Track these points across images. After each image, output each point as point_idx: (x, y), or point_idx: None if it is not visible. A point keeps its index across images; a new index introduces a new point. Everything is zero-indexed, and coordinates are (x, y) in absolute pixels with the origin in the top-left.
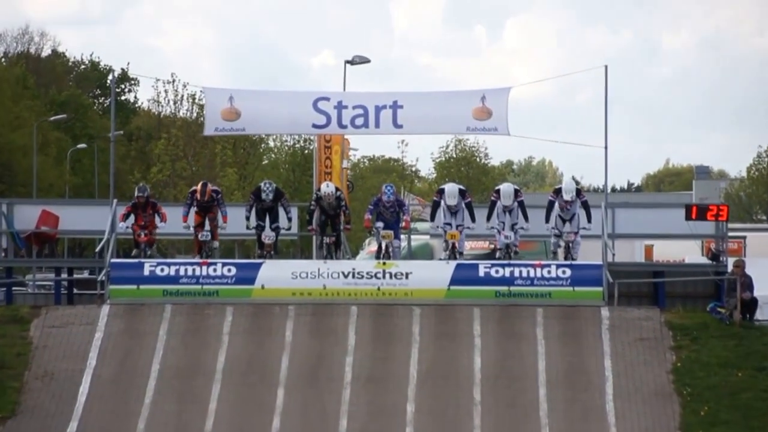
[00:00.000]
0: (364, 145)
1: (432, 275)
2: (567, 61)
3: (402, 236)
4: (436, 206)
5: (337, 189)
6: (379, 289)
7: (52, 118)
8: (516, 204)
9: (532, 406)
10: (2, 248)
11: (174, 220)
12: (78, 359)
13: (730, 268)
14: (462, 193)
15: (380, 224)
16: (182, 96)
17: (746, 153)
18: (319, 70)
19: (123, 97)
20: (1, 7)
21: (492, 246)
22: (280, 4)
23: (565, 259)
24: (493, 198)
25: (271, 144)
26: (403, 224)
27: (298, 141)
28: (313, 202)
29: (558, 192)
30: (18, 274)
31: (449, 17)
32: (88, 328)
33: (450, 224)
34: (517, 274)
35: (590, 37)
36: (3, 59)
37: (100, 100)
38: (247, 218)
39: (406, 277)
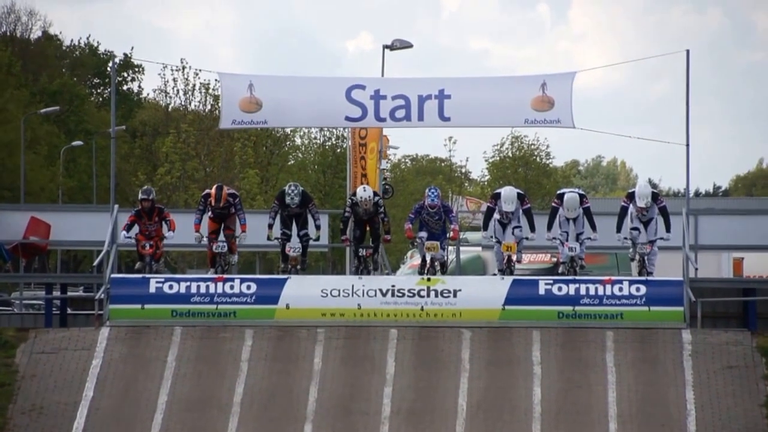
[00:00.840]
0: (406, 144)
1: (484, 293)
2: (643, 46)
3: (450, 248)
4: (490, 213)
5: (375, 194)
6: (422, 309)
7: (43, 111)
8: (581, 211)
9: None
10: None
11: (184, 229)
12: (72, 390)
13: None
14: (521, 198)
15: (424, 234)
16: (194, 86)
17: None
18: (353, 57)
19: (125, 87)
20: None
21: (554, 259)
22: None
23: (640, 274)
24: (554, 204)
25: (298, 141)
26: (451, 234)
27: (329, 138)
28: (347, 209)
29: (631, 197)
30: (3, 291)
31: None
32: (84, 354)
33: (505, 233)
34: (583, 291)
35: (671, 16)
36: None
37: (99, 90)
38: (270, 226)
39: (454, 295)
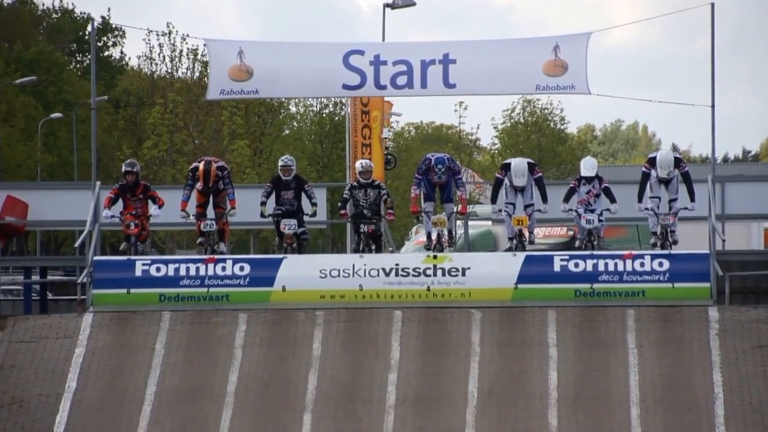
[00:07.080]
0: (410, 110)
1: (495, 271)
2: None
3: (458, 222)
4: (498, 184)
5: (375, 181)
6: (429, 289)
7: (18, 81)
8: (597, 180)
9: (622, 431)
10: None
11: (173, 207)
12: (54, 381)
13: None
14: (531, 168)
15: (429, 206)
16: (181, 51)
17: None
18: (368, 16)
19: (106, 53)
20: None
21: (570, 233)
22: None
23: (662, 247)
24: (572, 185)
25: (293, 110)
26: (459, 207)
27: (327, 105)
28: (346, 192)
29: (653, 162)
30: None
31: None
32: (67, 343)
33: (514, 204)
34: (602, 267)
35: None
36: None
37: (78, 58)
38: (263, 204)
39: (463, 274)
